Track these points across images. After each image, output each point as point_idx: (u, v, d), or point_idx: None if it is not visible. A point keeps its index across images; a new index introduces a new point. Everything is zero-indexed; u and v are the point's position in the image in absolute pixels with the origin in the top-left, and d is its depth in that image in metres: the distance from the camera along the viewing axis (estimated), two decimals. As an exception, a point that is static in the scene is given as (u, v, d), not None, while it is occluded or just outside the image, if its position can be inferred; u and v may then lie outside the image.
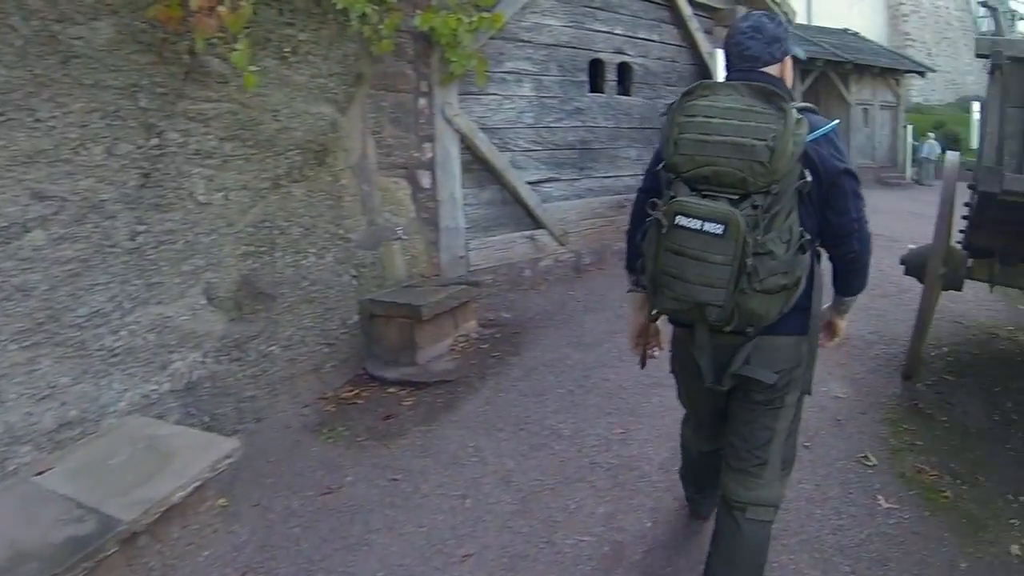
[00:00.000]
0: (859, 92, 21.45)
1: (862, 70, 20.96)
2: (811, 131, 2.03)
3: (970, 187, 3.61)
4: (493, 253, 6.42)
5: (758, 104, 1.97)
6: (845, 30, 24.18)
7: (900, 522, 3.18)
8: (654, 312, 2.27)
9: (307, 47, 4.42)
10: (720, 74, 8.73)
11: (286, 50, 4.27)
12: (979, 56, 3.35)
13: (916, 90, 32.87)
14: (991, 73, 3.28)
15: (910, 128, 23.28)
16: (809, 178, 2.02)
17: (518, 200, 6.59)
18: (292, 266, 4.38)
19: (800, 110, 2.04)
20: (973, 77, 38.16)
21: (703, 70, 8.97)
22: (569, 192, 7.27)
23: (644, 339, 2.52)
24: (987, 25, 38.15)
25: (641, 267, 2.17)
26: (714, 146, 1.95)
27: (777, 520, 2.72)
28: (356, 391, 4.47)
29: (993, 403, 4.46)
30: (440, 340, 4.96)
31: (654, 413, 4.05)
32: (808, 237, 2.07)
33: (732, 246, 1.90)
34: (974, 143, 27.85)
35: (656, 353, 2.56)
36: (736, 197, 1.93)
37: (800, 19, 28.23)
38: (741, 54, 2.23)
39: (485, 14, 5.49)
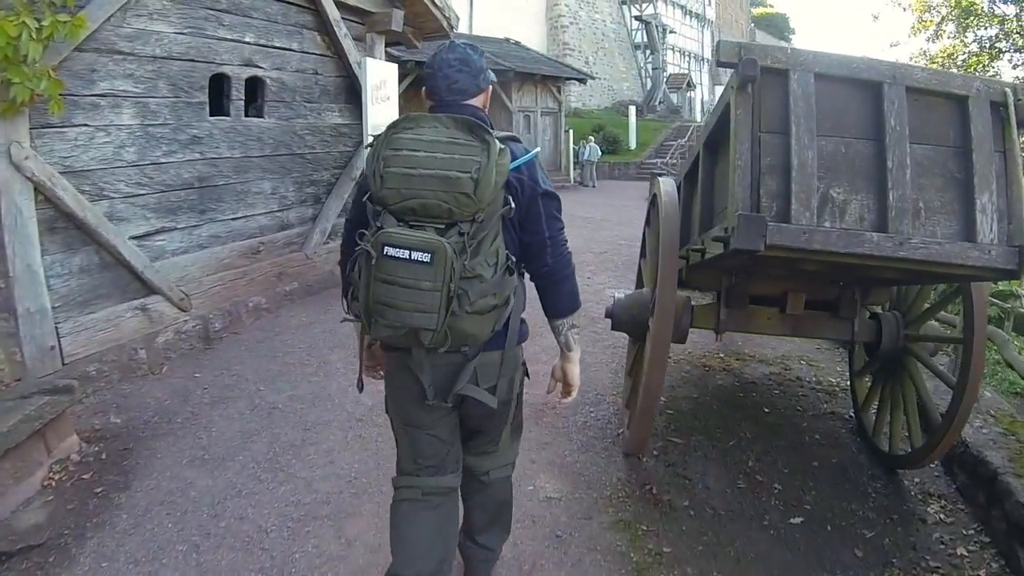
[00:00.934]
0: (521, 99, 23.47)
1: (524, 78, 23.07)
2: (513, 159, 2.30)
3: (716, 238, 3.12)
4: (95, 336, 5.37)
5: (462, 136, 2.19)
6: (507, 39, 26.23)
7: None
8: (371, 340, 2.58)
9: None
10: (370, 87, 8.48)
11: None
12: (722, 65, 2.81)
13: (575, 96, 36.13)
14: (741, 88, 2.72)
15: (571, 132, 25.56)
16: (512, 204, 2.28)
17: (121, 262, 5.60)
18: None
19: (503, 139, 2.31)
20: (628, 83, 43.28)
21: (351, 83, 8.58)
22: (188, 243, 6.40)
23: (371, 362, 2.83)
24: (640, 37, 43.68)
25: (353, 296, 2.32)
26: (421, 179, 2.13)
27: None
28: (-85, 578, 3.27)
29: (733, 465, 4.34)
30: (27, 477, 3.89)
31: (310, 569, 3.30)
32: (514, 259, 2.34)
33: (440, 272, 2.09)
34: (632, 144, 31.28)
35: (383, 374, 2.74)
36: (443, 226, 2.14)
37: (462, 28, 29.63)
38: (450, 87, 2.44)
39: (63, 17, 4.51)
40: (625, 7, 44.82)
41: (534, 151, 2.41)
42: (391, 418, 2.69)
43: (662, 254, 3.87)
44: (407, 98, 21.73)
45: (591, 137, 26.59)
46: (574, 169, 25.63)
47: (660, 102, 41.58)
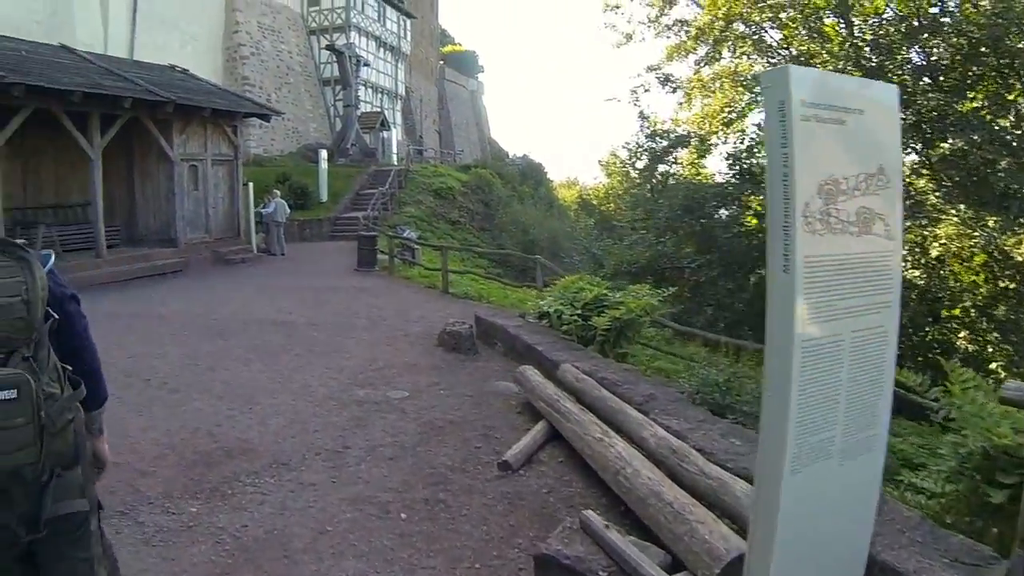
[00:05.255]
0: (186, 144, 19.03)
1: (190, 115, 18.63)
2: None
3: None
4: None
5: None
6: (172, 67, 22.07)
7: None
8: None
9: None
10: None
11: None
12: None
13: (255, 140, 32.40)
14: None
15: (251, 186, 21.24)
16: (56, 316, 2.36)
17: None
18: None
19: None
20: (316, 124, 40.21)
21: None
22: None
23: None
24: (331, 71, 40.46)
25: None
26: None
27: None
28: None
29: None
30: None
31: None
32: (69, 369, 2.42)
33: (29, 405, 2.13)
34: (323, 195, 27.75)
35: None
36: (3, 356, 2.15)
37: (120, 52, 24.93)
38: None
39: None
40: (315, 37, 42.02)
41: (48, 254, 2.45)
42: None
43: None
44: (13, 147, 16.40)
45: (276, 191, 22.37)
46: (256, 234, 21.35)
47: (353, 144, 37.84)
